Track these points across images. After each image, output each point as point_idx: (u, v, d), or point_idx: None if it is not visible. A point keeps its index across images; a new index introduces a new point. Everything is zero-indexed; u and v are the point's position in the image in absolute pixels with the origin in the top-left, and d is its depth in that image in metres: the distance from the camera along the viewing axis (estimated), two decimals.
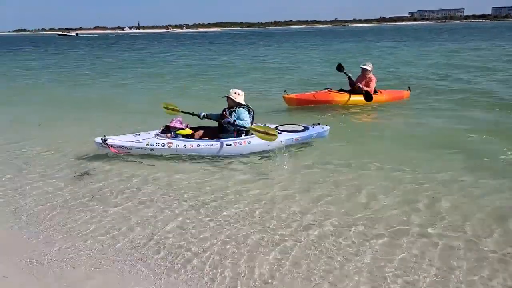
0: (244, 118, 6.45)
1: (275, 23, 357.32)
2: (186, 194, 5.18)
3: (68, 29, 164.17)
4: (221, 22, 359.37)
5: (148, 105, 11.29)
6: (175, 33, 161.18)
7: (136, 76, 19.35)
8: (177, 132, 6.51)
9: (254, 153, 6.59)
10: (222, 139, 6.46)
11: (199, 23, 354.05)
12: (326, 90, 10.42)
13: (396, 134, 8.05)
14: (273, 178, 5.68)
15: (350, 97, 10.29)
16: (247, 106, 6.68)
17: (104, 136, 6.40)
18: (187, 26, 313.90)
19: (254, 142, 6.49)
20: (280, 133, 6.71)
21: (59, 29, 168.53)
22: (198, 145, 6.38)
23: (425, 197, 4.89)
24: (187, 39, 76.08)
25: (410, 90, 11.35)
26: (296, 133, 6.91)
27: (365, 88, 10.13)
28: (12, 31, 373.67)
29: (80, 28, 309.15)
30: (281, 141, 6.62)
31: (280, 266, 3.62)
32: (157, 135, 6.52)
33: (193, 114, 6.88)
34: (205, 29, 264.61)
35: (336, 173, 5.77)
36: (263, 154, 6.58)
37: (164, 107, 7.29)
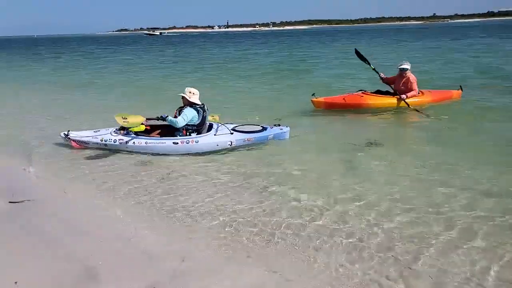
0: (182, 116, 6.45)
1: (365, 20, 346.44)
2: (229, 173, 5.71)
3: (153, 28, 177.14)
4: (308, 20, 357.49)
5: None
6: (262, 31, 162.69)
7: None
8: (130, 129, 6.71)
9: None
10: (170, 138, 6.53)
11: (286, 21, 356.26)
12: (360, 92, 9.57)
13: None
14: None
15: (386, 99, 9.34)
16: (202, 105, 6.65)
17: (68, 131, 6.96)
18: (274, 24, 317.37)
19: (202, 141, 6.51)
20: (232, 133, 6.71)
21: (151, 29, 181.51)
22: (146, 143, 6.50)
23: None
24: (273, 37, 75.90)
25: (461, 89, 10.29)
26: (248, 134, 6.80)
27: (409, 95, 9.20)
28: (115, 31, 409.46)
29: (174, 27, 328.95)
30: (231, 142, 6.59)
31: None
32: (113, 131, 6.79)
33: (158, 119, 6.66)
34: (291, 27, 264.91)
35: (393, 175, 5.59)
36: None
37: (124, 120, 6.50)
